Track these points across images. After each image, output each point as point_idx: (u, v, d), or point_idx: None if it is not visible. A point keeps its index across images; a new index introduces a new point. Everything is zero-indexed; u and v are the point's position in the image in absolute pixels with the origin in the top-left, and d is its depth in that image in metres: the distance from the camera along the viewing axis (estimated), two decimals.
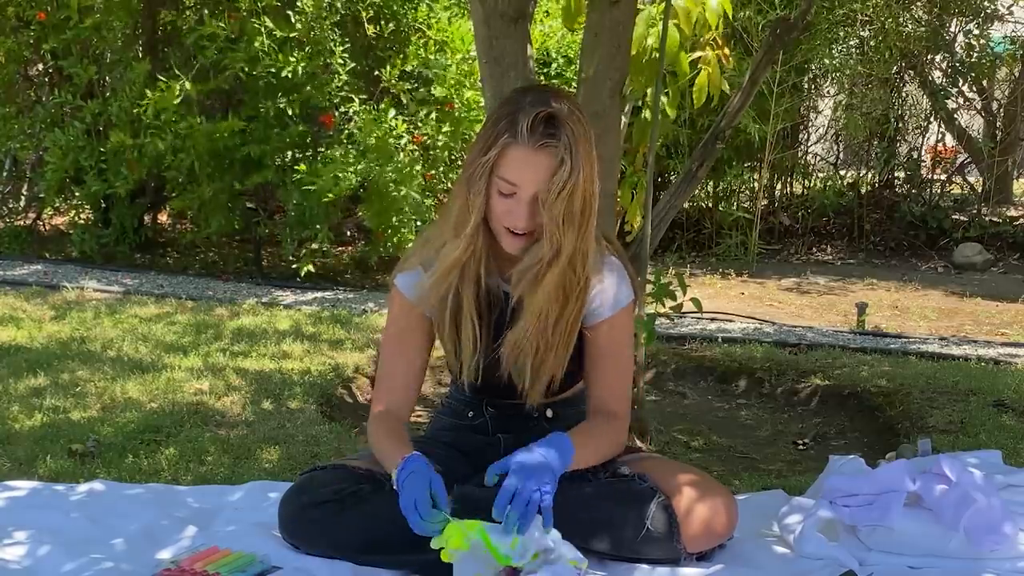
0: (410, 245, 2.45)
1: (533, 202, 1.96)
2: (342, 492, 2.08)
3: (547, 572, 1.84)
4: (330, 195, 5.55)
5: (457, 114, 5.85)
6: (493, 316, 2.15)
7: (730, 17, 3.29)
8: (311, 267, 5.83)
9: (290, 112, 5.78)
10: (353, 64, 5.85)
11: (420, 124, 5.86)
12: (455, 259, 2.05)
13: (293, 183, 5.75)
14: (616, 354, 2.16)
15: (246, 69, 5.71)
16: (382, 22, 6.13)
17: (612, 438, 2.14)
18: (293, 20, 5.69)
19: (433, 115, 5.85)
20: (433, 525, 1.86)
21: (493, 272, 2.13)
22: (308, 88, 5.79)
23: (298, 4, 5.69)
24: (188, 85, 5.67)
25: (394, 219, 5.79)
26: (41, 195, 6.66)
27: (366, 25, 6.05)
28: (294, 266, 5.87)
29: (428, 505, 1.87)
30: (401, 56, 5.96)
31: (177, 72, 5.74)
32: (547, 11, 6.23)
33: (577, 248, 2.01)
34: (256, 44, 5.62)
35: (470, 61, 5.74)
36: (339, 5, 5.87)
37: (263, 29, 5.64)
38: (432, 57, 5.85)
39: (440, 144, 5.92)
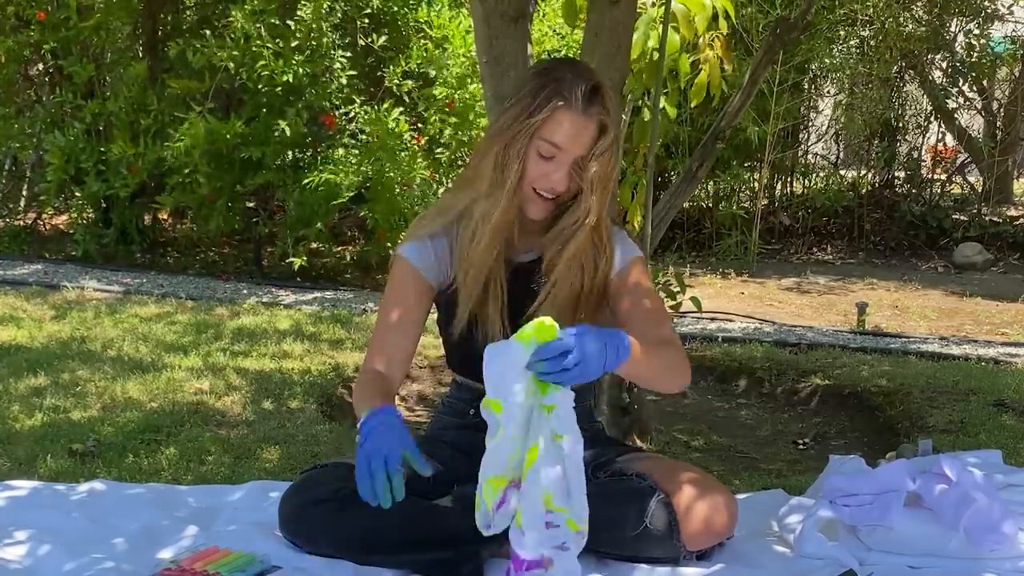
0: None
1: (572, 166, 2.01)
2: (343, 491, 2.07)
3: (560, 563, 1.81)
4: (338, 198, 5.56)
5: (460, 111, 5.85)
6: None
7: (732, 16, 3.29)
8: (303, 262, 5.81)
9: (294, 117, 5.78)
10: (353, 72, 5.85)
11: (423, 123, 5.86)
12: (502, 214, 2.03)
13: (294, 184, 5.75)
14: (644, 293, 2.14)
15: (244, 75, 5.71)
16: (381, 28, 6.12)
17: (678, 356, 2.05)
18: (293, 27, 5.68)
19: (436, 114, 5.85)
20: (385, 494, 1.75)
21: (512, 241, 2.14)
22: (311, 91, 5.79)
23: (298, 13, 5.68)
24: (210, 118, 5.65)
25: (397, 218, 5.80)
26: (41, 195, 6.66)
27: (363, 34, 6.03)
28: (289, 259, 5.86)
29: (387, 466, 1.77)
30: (403, 56, 5.95)
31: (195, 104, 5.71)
32: (543, 14, 6.23)
33: (602, 215, 2.05)
34: (255, 49, 5.61)
35: (471, 59, 5.74)
36: (338, 7, 5.86)
37: (261, 36, 5.62)
38: (435, 54, 5.84)
39: (444, 142, 5.92)
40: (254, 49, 5.59)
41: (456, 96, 5.82)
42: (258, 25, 5.58)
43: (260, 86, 5.67)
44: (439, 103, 5.85)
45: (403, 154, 5.68)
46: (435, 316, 2.27)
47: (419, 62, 5.90)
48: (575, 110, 1.99)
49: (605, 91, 2.03)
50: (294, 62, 5.64)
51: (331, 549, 2.06)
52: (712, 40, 3.30)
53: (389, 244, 5.91)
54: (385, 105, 5.82)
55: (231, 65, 5.60)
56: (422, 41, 6.00)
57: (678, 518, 2.06)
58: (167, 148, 5.70)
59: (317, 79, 5.80)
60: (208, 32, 5.77)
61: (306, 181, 5.62)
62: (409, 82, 5.94)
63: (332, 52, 5.79)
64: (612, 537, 2.06)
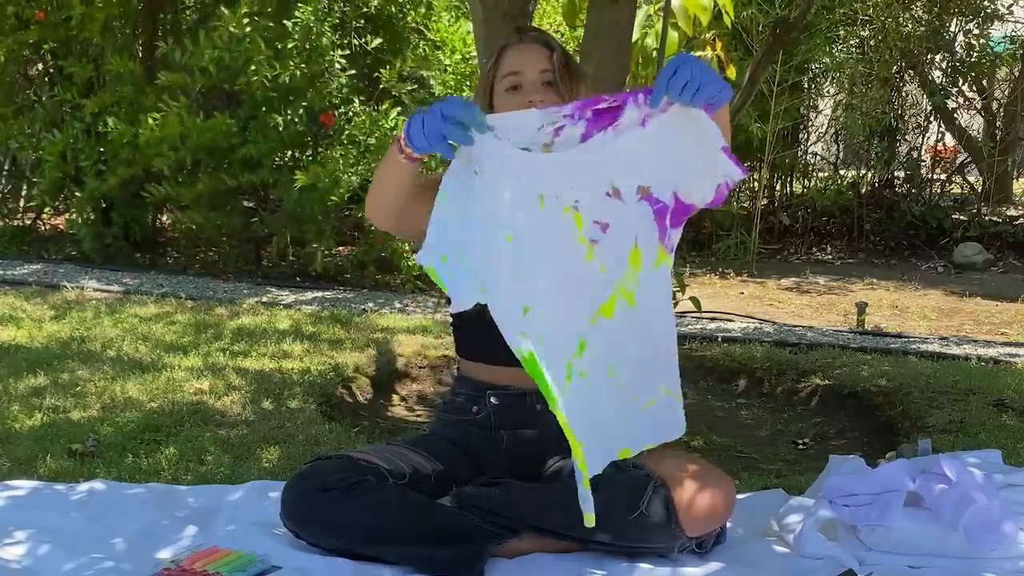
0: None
1: (541, 83, 2.16)
2: (346, 481, 2.07)
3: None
4: (333, 199, 5.56)
5: None
6: None
7: (730, 15, 3.28)
8: (320, 265, 5.84)
9: (293, 118, 5.78)
10: (352, 71, 5.86)
11: None
12: None
13: (294, 187, 5.76)
14: None
15: (227, 76, 5.72)
16: (378, 29, 6.12)
17: None
18: (289, 28, 5.68)
19: None
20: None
21: None
22: (309, 92, 5.79)
23: (295, 14, 5.68)
24: (184, 114, 5.69)
25: None
26: (40, 194, 6.66)
27: (358, 34, 6.04)
28: (311, 267, 5.87)
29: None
30: (400, 59, 5.95)
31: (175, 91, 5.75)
32: (544, 12, 6.25)
33: None
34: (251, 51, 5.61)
35: (470, 61, 5.74)
36: (337, 7, 5.86)
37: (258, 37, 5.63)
38: (429, 58, 5.85)
39: None
40: (248, 50, 5.59)
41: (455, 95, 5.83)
42: (249, 28, 5.59)
43: (255, 89, 5.67)
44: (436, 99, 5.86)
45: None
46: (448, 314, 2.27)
47: (412, 67, 5.90)
48: (517, 43, 2.22)
49: (545, 32, 2.31)
50: (291, 64, 5.64)
51: (332, 539, 2.06)
52: (712, 39, 3.30)
53: (387, 247, 5.91)
54: (384, 106, 5.81)
55: (211, 68, 5.65)
56: (420, 42, 5.99)
57: (675, 503, 2.06)
58: (140, 136, 5.75)
59: (315, 80, 5.80)
60: (202, 33, 5.77)
61: (296, 184, 5.63)
62: (405, 85, 5.94)
63: (331, 53, 5.78)
64: (610, 526, 2.05)
